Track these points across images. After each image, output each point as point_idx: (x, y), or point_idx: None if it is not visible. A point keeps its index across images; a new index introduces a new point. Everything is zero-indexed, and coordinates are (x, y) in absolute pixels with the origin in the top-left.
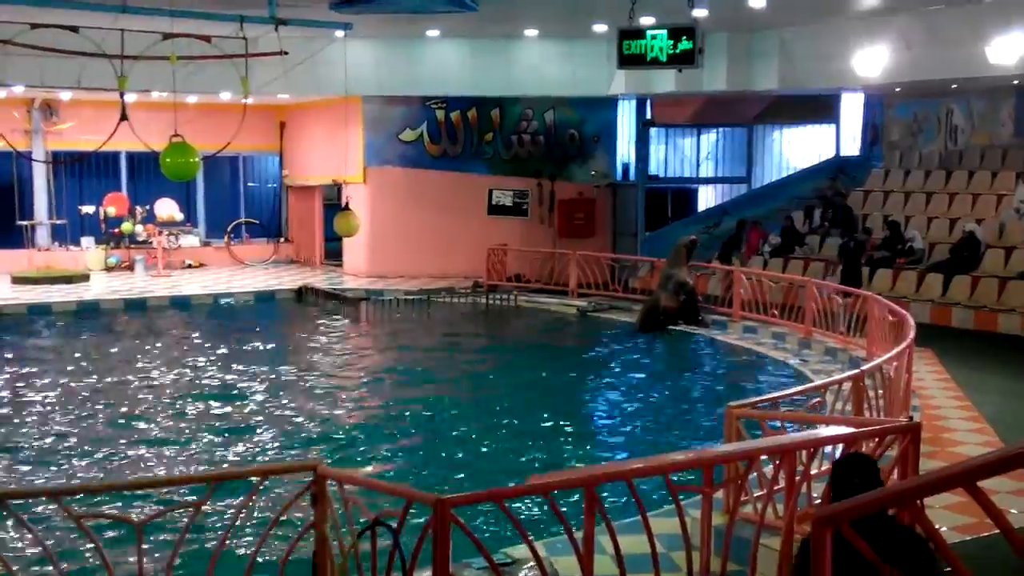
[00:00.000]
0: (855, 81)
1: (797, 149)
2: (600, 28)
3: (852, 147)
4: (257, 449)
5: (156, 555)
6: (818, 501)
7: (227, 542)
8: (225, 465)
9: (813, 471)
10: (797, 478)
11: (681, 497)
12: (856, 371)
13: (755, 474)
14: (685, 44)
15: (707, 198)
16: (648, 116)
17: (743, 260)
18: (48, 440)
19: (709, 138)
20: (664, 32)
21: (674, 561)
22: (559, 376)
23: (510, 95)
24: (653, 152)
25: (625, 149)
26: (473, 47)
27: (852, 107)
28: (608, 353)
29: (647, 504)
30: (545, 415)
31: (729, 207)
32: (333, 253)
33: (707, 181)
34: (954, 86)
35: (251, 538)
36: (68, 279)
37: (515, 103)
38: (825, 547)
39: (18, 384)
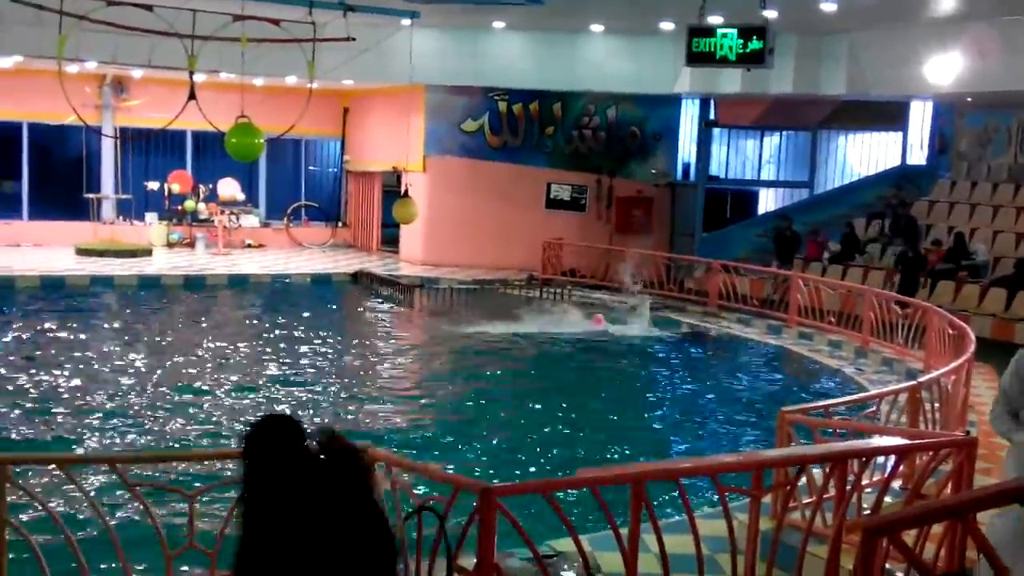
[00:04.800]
0: (925, 89)
1: (862, 156)
2: (667, 26)
3: (919, 156)
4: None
5: (206, 526)
6: (868, 512)
7: None
8: None
9: (864, 481)
10: (848, 487)
11: (729, 499)
12: (913, 382)
13: (804, 480)
14: (755, 44)
15: (767, 201)
16: (711, 116)
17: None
18: (102, 409)
19: (772, 141)
20: (734, 31)
21: (719, 564)
22: (610, 373)
23: (573, 89)
24: (715, 153)
25: (686, 149)
26: (538, 40)
27: (920, 115)
28: (661, 352)
29: (694, 504)
30: (596, 411)
31: (789, 211)
32: (390, 239)
33: (768, 184)
34: None
35: None
36: (131, 253)
37: (578, 98)
38: (876, 558)
39: (76, 352)
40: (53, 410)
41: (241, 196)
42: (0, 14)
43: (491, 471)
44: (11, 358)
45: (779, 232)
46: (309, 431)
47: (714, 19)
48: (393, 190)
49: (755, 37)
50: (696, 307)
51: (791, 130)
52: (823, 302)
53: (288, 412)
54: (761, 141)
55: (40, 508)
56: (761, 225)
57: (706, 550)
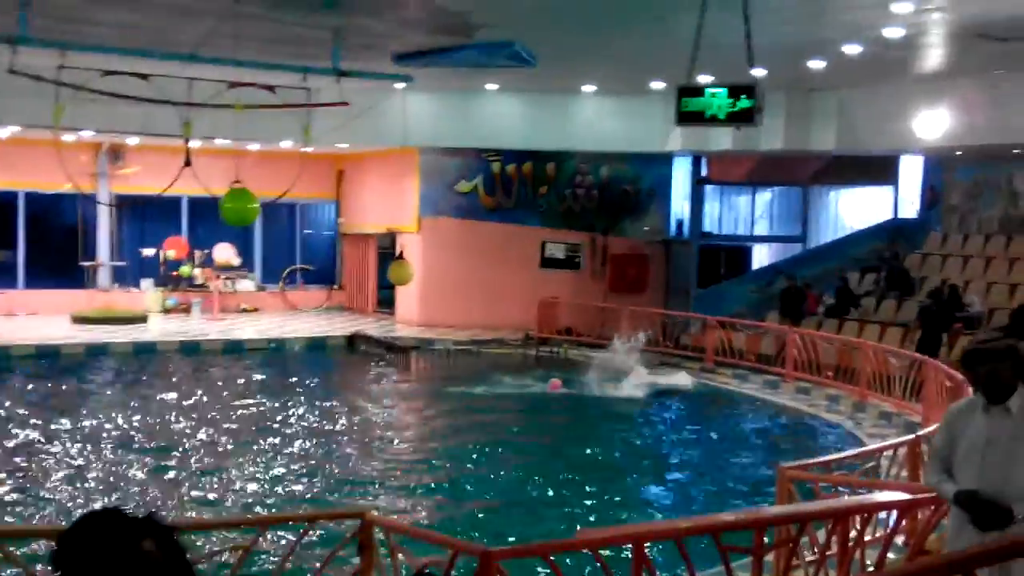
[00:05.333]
0: (914, 144)
1: (853, 210)
2: (657, 85)
3: (910, 209)
4: (303, 494)
5: None
6: (872, 568)
7: None
8: (270, 510)
9: (867, 537)
10: (850, 544)
11: (731, 558)
12: (912, 436)
13: (807, 538)
14: (745, 102)
15: (761, 257)
16: (703, 173)
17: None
18: (99, 479)
19: (764, 197)
20: (724, 90)
21: None
22: (608, 431)
23: (566, 149)
24: (707, 209)
25: (679, 205)
26: (530, 101)
27: (911, 169)
28: (659, 410)
29: (696, 564)
30: (594, 470)
31: (783, 266)
32: (385, 301)
33: (761, 240)
34: (1016, 151)
35: None
36: (127, 320)
37: (570, 157)
38: None
39: (70, 423)
40: (46, 481)
41: (237, 261)
42: None
43: (491, 533)
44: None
45: (786, 289)
46: (138, 525)
47: (704, 78)
48: (388, 252)
49: (744, 96)
50: (693, 363)
51: (783, 185)
52: (820, 356)
53: (114, 506)
54: (753, 197)
55: None
56: (755, 281)
57: None
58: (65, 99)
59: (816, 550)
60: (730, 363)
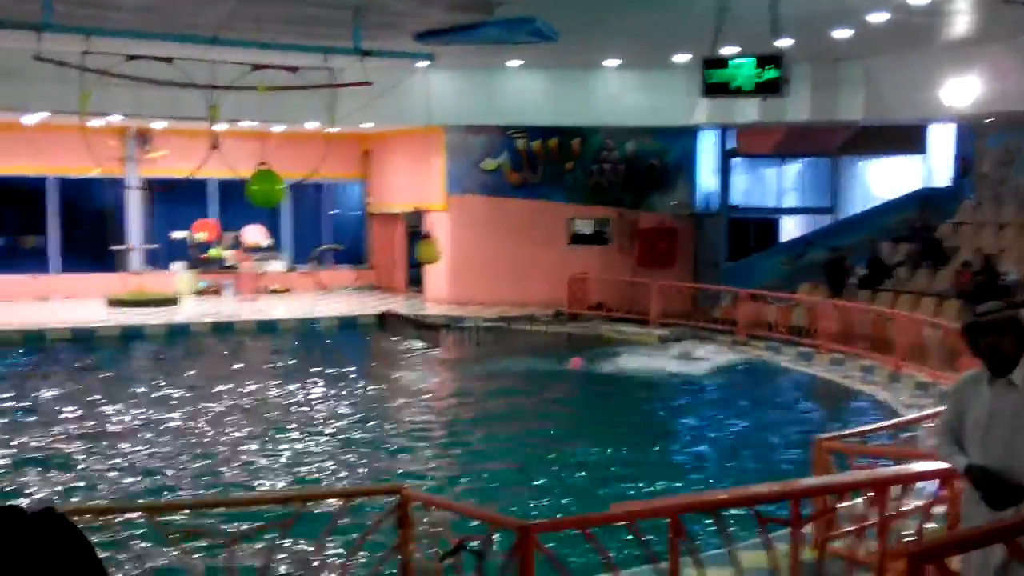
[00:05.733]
0: (944, 112)
1: (884, 180)
2: (681, 58)
3: (941, 178)
4: (341, 470)
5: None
6: (911, 537)
7: (312, 562)
8: (300, 486)
9: (906, 507)
10: (889, 514)
11: (768, 530)
12: None
13: (845, 508)
14: (771, 72)
15: (790, 229)
16: (730, 146)
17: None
18: (143, 457)
19: (792, 168)
20: (750, 61)
21: None
22: (642, 405)
23: (591, 125)
24: (735, 182)
25: (707, 179)
26: (554, 77)
27: (941, 137)
28: (692, 383)
29: (733, 536)
30: (628, 443)
31: (813, 238)
32: (415, 280)
33: (790, 211)
34: None
35: (336, 558)
36: (159, 302)
37: (596, 133)
38: None
39: (111, 404)
40: (86, 460)
41: (266, 242)
42: (25, 71)
43: (528, 508)
44: (42, 410)
45: (830, 262)
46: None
47: (728, 50)
48: (416, 230)
49: (771, 66)
50: (724, 336)
51: (811, 157)
52: (854, 327)
53: (11, 504)
54: (781, 169)
55: None
56: (785, 253)
57: None
58: (91, 85)
59: (854, 521)
60: (762, 336)
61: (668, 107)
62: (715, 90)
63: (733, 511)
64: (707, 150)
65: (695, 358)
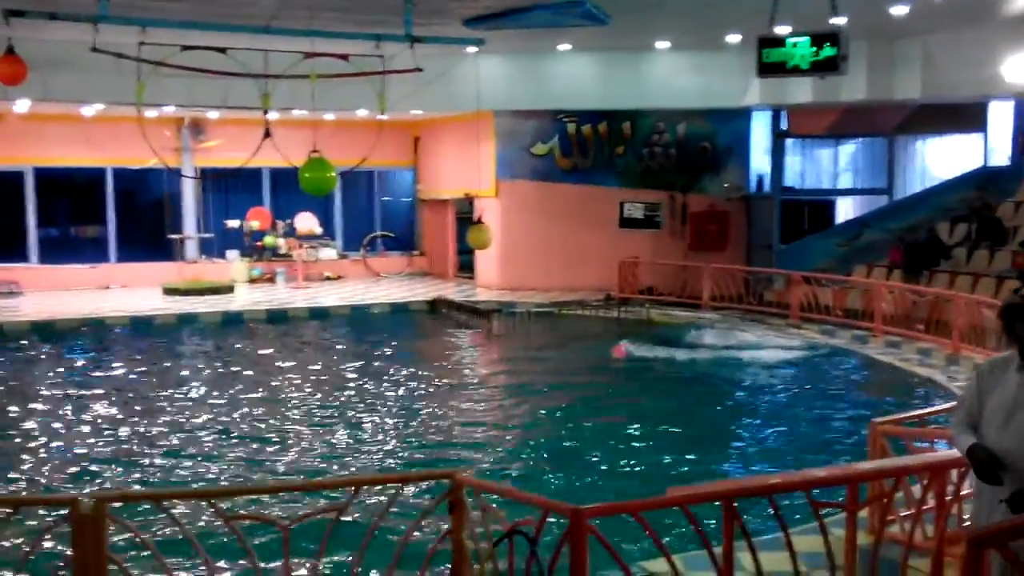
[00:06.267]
0: (1003, 88)
1: (941, 159)
2: (733, 38)
3: (1001, 157)
4: (393, 455)
5: (297, 559)
6: (970, 523)
7: (366, 548)
8: (350, 471)
9: (965, 490)
10: (947, 498)
11: (823, 514)
12: None
13: (902, 493)
14: (828, 51)
15: (845, 210)
16: (783, 127)
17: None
18: (197, 442)
19: (847, 149)
20: (806, 39)
21: None
22: (696, 389)
23: (642, 108)
24: (788, 163)
25: (759, 161)
26: (604, 60)
27: (1001, 115)
28: (746, 367)
29: (787, 521)
30: (682, 428)
31: (868, 219)
32: (465, 265)
33: (845, 193)
34: None
35: (388, 542)
36: (215, 290)
37: (647, 116)
38: (982, 570)
39: (168, 389)
40: (146, 447)
41: (319, 229)
42: (82, 63)
43: (580, 493)
44: (103, 396)
45: (910, 244)
46: None
47: (782, 29)
48: (467, 216)
49: (828, 44)
50: (778, 320)
51: (866, 137)
52: (909, 309)
53: None
54: (836, 149)
55: (140, 543)
56: (840, 234)
57: (803, 567)
58: (146, 76)
59: (911, 505)
60: (816, 319)
61: (720, 89)
62: (771, 69)
63: (788, 496)
64: (759, 132)
65: (747, 342)
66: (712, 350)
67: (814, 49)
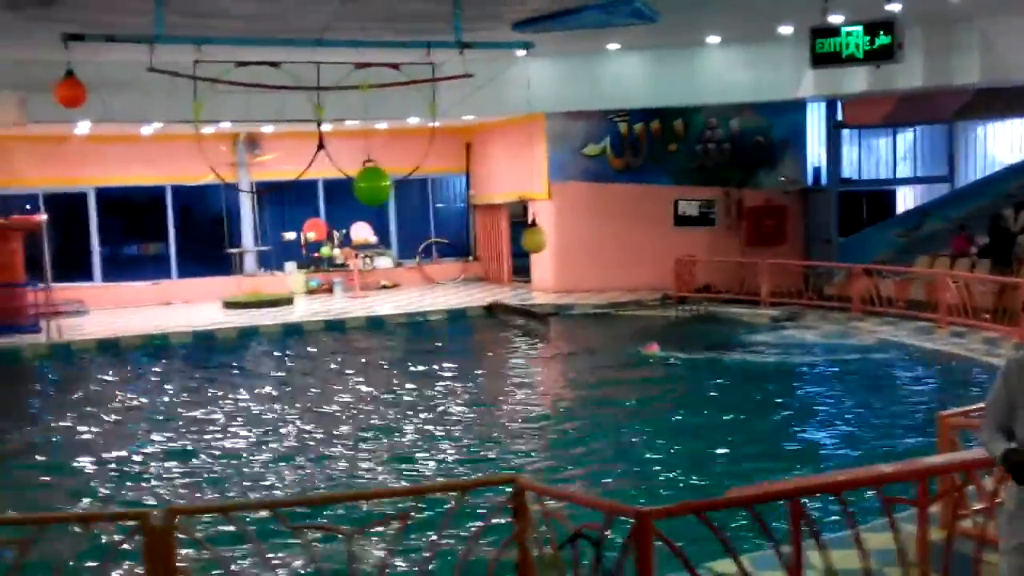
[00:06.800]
0: None
1: (1004, 144)
2: (786, 30)
3: None
4: (456, 461)
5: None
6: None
7: (431, 555)
8: (411, 478)
9: None
10: None
11: (893, 510)
12: None
13: (973, 487)
14: (883, 39)
15: (905, 200)
16: (839, 118)
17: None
18: (264, 453)
19: (906, 137)
20: (860, 28)
21: None
22: (758, 385)
23: (693, 104)
24: (845, 154)
25: (815, 153)
26: (654, 58)
27: None
28: (809, 362)
29: (858, 518)
30: (746, 425)
31: (929, 208)
32: (521, 269)
33: (905, 182)
34: None
35: (452, 548)
36: (274, 303)
37: (699, 112)
38: None
39: (229, 401)
40: (211, 458)
41: (374, 239)
42: (140, 83)
43: (644, 495)
44: (167, 409)
45: (1000, 231)
46: None
47: (835, 18)
48: (520, 220)
49: (882, 32)
50: (839, 314)
51: (925, 124)
52: (975, 299)
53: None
54: (894, 138)
55: (208, 554)
56: (901, 225)
57: (874, 564)
58: (203, 93)
59: (984, 499)
60: (879, 312)
61: (773, 81)
62: (825, 60)
63: (853, 493)
64: (814, 123)
65: (808, 337)
66: (772, 346)
67: (868, 38)
